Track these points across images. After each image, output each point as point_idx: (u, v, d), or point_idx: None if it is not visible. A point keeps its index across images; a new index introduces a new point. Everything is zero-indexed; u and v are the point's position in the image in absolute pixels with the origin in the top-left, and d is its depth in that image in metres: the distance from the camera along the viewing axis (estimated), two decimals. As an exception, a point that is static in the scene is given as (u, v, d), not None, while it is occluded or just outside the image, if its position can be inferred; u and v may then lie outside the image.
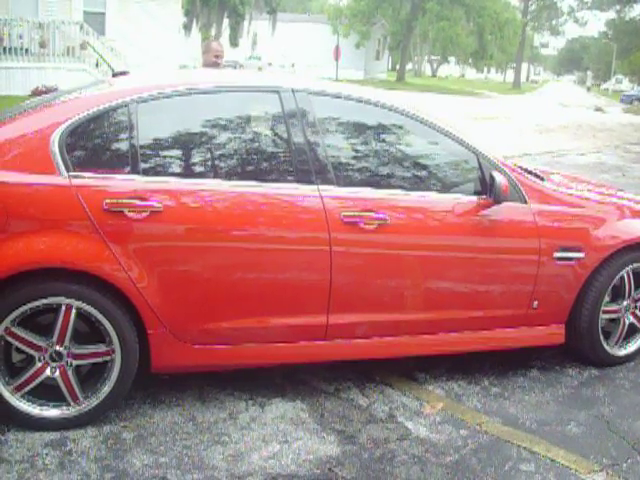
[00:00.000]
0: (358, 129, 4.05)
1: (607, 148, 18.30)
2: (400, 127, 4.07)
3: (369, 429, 3.56)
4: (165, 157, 3.51)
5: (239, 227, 3.47)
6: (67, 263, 3.21)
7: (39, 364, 3.30)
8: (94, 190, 3.25)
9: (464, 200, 3.90)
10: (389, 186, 3.82)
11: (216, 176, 3.53)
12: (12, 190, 3.17)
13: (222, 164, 3.62)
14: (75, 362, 3.34)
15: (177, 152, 3.56)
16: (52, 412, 3.34)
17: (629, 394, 4.12)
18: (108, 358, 3.36)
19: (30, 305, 3.19)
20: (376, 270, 3.73)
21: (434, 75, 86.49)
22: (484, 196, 3.89)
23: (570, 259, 4.09)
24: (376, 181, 3.83)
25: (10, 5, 23.74)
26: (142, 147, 3.41)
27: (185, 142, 3.59)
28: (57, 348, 3.29)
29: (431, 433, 3.56)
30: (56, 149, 3.25)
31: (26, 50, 21.04)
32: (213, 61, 6.49)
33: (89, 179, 3.26)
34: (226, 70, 6.24)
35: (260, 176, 3.60)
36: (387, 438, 3.49)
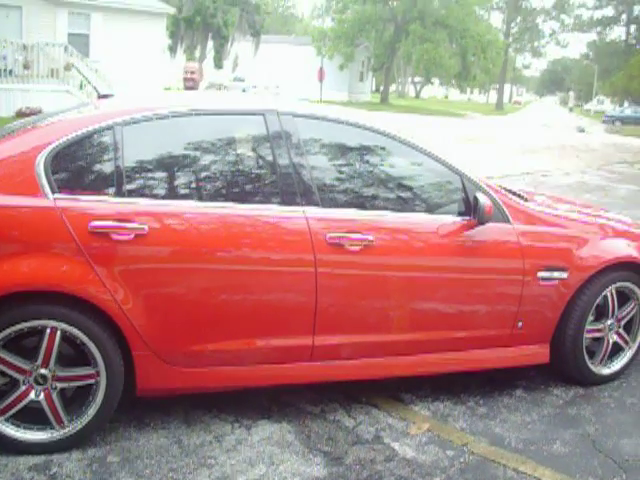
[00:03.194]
0: (343, 151, 4.07)
1: (590, 168, 18.46)
2: (385, 149, 4.09)
3: (355, 450, 3.55)
4: (150, 179, 3.51)
5: (224, 249, 3.47)
6: (52, 285, 3.20)
7: (23, 387, 3.28)
8: (79, 212, 3.24)
9: (448, 221, 3.92)
10: (374, 207, 3.84)
11: (201, 198, 3.53)
12: (-3, 212, 3.16)
13: (207, 186, 3.62)
14: (60, 385, 3.32)
15: (162, 174, 3.56)
16: (36, 435, 3.31)
17: (614, 413, 4.13)
18: (93, 381, 3.34)
19: (15, 328, 3.17)
20: (361, 291, 3.73)
21: (418, 96, 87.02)
22: (468, 217, 3.92)
23: (554, 279, 4.11)
24: (361, 202, 3.84)
25: (-6, 27, 23.75)
26: (127, 169, 3.41)
27: (170, 164, 3.59)
28: (42, 371, 3.27)
29: (417, 454, 3.56)
30: (41, 171, 3.25)
31: (10, 71, 20.93)
32: (187, 78, 6.59)
33: (74, 201, 3.26)
34: (209, 92, 6.29)
35: (245, 198, 3.60)
36: (373, 459, 3.48)
